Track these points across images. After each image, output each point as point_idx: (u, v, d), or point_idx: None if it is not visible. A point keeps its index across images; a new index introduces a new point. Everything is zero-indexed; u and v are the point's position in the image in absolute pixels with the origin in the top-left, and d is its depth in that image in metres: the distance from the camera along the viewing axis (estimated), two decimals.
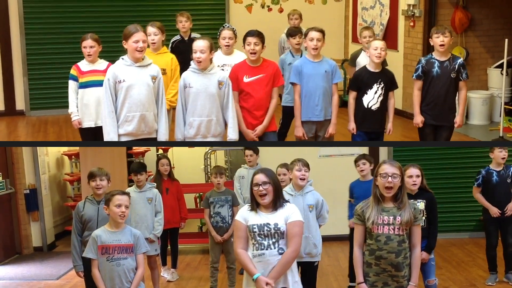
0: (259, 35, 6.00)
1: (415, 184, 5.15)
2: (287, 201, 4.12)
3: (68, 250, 7.51)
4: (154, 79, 5.49)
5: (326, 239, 8.29)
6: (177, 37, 8.11)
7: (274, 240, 3.97)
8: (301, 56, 7.04)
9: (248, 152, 7.00)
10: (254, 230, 3.97)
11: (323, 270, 7.35)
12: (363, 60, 7.10)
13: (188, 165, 10.88)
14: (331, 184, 8.48)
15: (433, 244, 5.26)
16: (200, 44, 5.56)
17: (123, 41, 5.45)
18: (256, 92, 5.99)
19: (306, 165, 5.23)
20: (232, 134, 5.76)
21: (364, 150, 8.70)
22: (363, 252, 4.18)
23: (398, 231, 4.06)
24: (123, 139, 5.50)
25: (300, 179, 5.17)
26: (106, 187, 5.17)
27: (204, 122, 5.61)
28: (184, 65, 5.91)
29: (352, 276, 6.38)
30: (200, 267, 7.83)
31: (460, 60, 6.24)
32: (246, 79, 5.99)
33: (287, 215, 4.01)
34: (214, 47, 5.69)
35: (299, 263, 5.21)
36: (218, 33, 6.92)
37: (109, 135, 5.44)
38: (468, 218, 8.73)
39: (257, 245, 3.98)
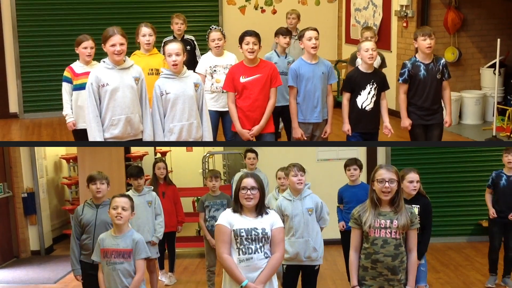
0: (257, 35, 6.03)
1: (415, 189, 5.15)
2: (268, 208, 4.18)
3: (66, 254, 7.58)
4: (137, 81, 5.45)
5: (324, 243, 8.34)
6: (170, 38, 8.10)
7: (261, 244, 4.01)
8: (286, 57, 7.04)
9: (251, 155, 6.94)
10: (242, 234, 3.99)
11: (321, 274, 7.10)
12: None
13: (186, 169, 10.90)
14: (329, 188, 8.39)
15: (424, 250, 5.23)
16: (175, 47, 5.44)
17: (102, 44, 5.41)
18: (252, 92, 6.01)
19: (302, 169, 5.24)
20: (207, 137, 5.74)
21: (362, 151, 8.74)
22: (359, 256, 4.20)
23: (394, 235, 4.07)
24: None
25: (297, 183, 5.19)
26: (105, 191, 5.19)
27: (186, 126, 5.54)
28: None
29: None
30: (197, 271, 7.82)
31: (443, 61, 6.29)
32: (242, 79, 6.00)
33: (273, 221, 4.08)
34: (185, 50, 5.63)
35: (299, 267, 5.30)
36: (207, 36, 6.94)
37: (95, 139, 5.41)
38: (466, 222, 8.70)
39: (244, 249, 3.99)
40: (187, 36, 8.23)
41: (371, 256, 4.10)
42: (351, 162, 6.37)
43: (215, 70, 6.81)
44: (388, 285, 4.10)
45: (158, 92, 5.49)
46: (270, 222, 4.07)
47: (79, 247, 5.14)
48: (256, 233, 3.99)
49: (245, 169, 7.12)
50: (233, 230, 4.00)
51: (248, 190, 4.03)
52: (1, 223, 8.76)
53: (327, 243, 8.41)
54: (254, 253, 3.99)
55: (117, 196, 4.61)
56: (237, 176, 7.12)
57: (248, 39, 5.97)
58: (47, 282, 7.66)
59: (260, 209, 4.08)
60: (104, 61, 5.43)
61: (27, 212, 9.01)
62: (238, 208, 4.08)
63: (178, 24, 8.11)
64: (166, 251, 7.30)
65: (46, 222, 9.29)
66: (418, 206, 5.18)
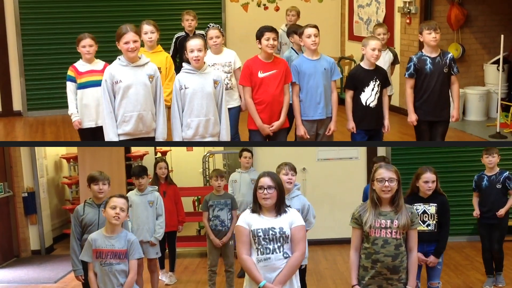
0: (276, 31, 6.04)
1: (430, 189, 5.13)
2: (288, 206, 4.13)
3: (66, 254, 7.58)
4: (151, 78, 5.48)
5: (324, 242, 8.41)
6: (182, 34, 8.16)
7: (279, 244, 3.97)
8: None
9: (247, 154, 6.97)
10: (259, 234, 3.96)
11: (321, 273, 7.33)
12: None
13: (186, 169, 10.92)
14: (329, 188, 8.43)
15: (442, 248, 5.24)
16: (197, 43, 5.51)
17: (116, 42, 5.45)
18: (271, 87, 6.02)
19: (293, 169, 5.21)
20: (224, 135, 5.73)
21: (362, 150, 8.68)
22: (359, 256, 4.18)
23: (395, 235, 4.05)
24: (122, 138, 5.51)
25: (287, 182, 5.13)
26: (107, 191, 5.18)
27: (203, 122, 5.57)
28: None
29: None
30: (198, 270, 7.80)
31: (450, 55, 6.26)
32: (260, 74, 6.01)
33: (292, 220, 4.03)
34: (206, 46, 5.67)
35: None
36: (204, 34, 6.92)
37: (108, 135, 5.46)
38: (466, 222, 8.63)
39: (262, 249, 3.97)
40: (198, 32, 8.22)
41: (372, 256, 4.08)
42: (380, 159, 6.30)
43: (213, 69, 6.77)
44: (386, 284, 4.08)
45: (177, 86, 5.54)
46: (289, 221, 4.02)
47: (80, 247, 5.10)
48: (274, 233, 3.96)
49: (240, 169, 7.11)
50: (251, 230, 3.98)
51: (265, 190, 3.98)
52: (2, 223, 8.75)
53: (327, 242, 8.46)
54: (272, 253, 3.95)
55: (116, 196, 4.57)
56: (231, 177, 7.15)
57: (269, 34, 5.96)
58: (47, 282, 7.65)
59: (279, 208, 4.03)
60: (119, 58, 5.48)
61: (28, 212, 9.00)
62: (257, 208, 4.05)
63: (188, 21, 8.22)
64: (167, 250, 7.28)
65: (47, 222, 9.28)
66: (436, 204, 5.19)
